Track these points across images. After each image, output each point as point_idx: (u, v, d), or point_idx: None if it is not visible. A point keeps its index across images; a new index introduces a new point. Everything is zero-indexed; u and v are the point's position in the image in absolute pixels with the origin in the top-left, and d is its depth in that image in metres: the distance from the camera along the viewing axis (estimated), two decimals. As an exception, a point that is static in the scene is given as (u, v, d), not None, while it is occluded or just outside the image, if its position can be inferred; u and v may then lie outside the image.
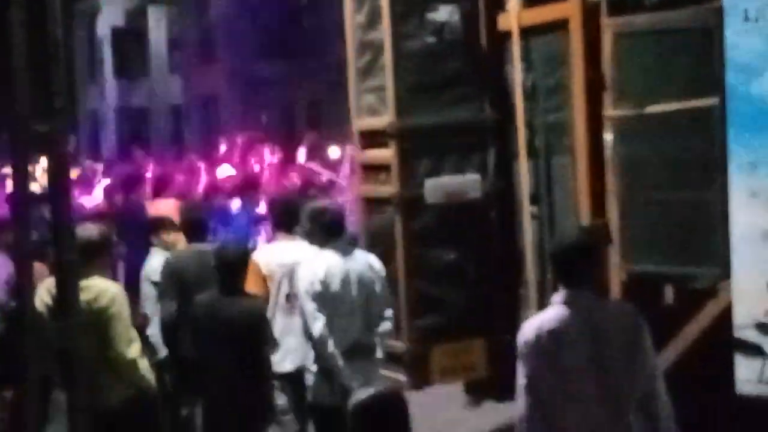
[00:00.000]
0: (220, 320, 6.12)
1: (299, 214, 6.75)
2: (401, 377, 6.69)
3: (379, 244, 6.90)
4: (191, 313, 6.30)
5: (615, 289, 6.08)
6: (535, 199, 6.56)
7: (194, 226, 7.54)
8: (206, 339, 6.19)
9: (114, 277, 7.62)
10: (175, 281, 6.99)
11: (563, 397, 4.39)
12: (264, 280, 6.72)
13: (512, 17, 6.62)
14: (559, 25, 6.37)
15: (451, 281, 6.70)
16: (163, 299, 7.01)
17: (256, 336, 6.14)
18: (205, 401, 6.43)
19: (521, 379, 4.41)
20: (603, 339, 4.35)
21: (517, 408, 4.48)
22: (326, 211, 6.28)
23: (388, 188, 6.72)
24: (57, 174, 4.49)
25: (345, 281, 6.00)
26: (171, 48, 39.94)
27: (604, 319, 4.39)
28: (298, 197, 8.86)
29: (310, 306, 5.95)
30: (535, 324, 4.45)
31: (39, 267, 5.50)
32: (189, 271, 7.04)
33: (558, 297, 4.43)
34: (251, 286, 6.51)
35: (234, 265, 6.19)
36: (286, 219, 6.99)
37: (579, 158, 6.26)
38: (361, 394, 3.64)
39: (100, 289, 5.66)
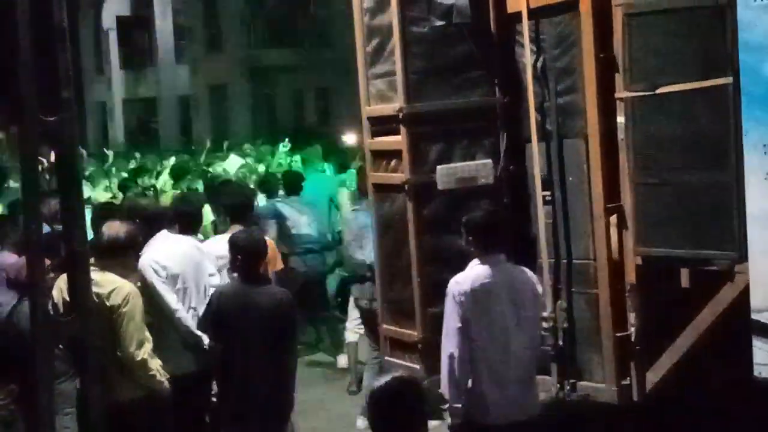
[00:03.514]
0: (249, 308, 6.04)
1: (251, 205, 7.13)
2: (414, 365, 6.65)
3: (390, 231, 6.87)
4: (213, 303, 6.25)
5: (630, 273, 6.03)
6: (547, 184, 6.50)
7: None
8: (234, 328, 6.08)
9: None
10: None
11: (492, 347, 5.38)
12: None
13: (521, -1, 6.56)
14: (569, 6, 6.29)
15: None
16: None
17: (285, 325, 6.10)
18: (225, 391, 6.34)
19: (455, 323, 5.36)
20: (518, 296, 5.47)
21: (446, 348, 5.39)
22: None
23: (399, 175, 6.68)
24: (65, 165, 4.46)
25: None
26: (177, 37, 39.87)
27: (516, 279, 5.54)
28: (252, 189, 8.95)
29: None
30: (469, 278, 5.44)
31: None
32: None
33: (480, 260, 5.49)
34: None
35: (259, 253, 6.20)
36: (239, 209, 7.31)
37: (592, 141, 6.20)
38: (378, 381, 3.65)
39: (116, 286, 5.64)
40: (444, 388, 5.44)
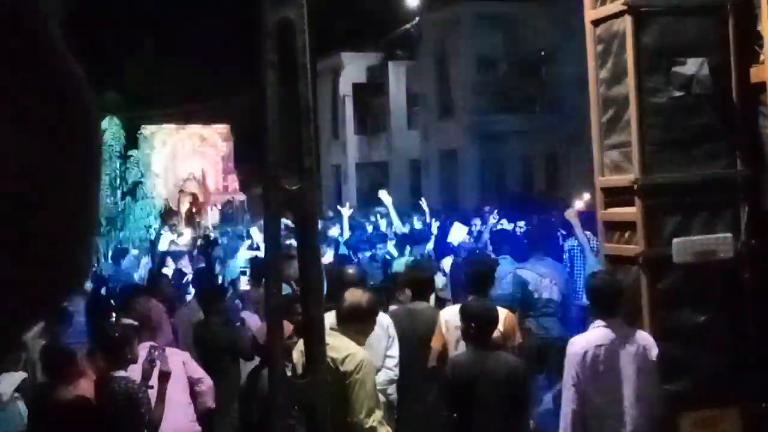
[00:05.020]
0: (483, 376, 6.06)
1: (490, 277, 7.08)
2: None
3: (624, 304, 6.69)
4: (447, 371, 6.30)
5: None
6: (792, 260, 6.19)
7: (418, 285, 7.65)
8: (468, 396, 6.10)
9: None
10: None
11: (606, 407, 5.78)
12: (442, 336, 6.88)
13: (766, 69, 6.33)
14: (818, 76, 6.03)
15: (701, 345, 6.39)
16: None
17: (519, 393, 6.08)
18: None
19: (572, 381, 5.83)
20: (635, 360, 5.83)
21: (564, 404, 5.88)
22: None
23: (632, 247, 6.53)
24: (305, 231, 4.60)
25: None
26: (410, 103, 40.75)
27: (633, 343, 5.90)
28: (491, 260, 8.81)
29: None
30: (585, 339, 5.96)
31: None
32: (400, 329, 7.14)
33: (598, 323, 5.97)
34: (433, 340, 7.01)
35: (490, 321, 6.24)
36: (477, 281, 7.28)
37: (842, 217, 5.88)
38: None
39: (350, 352, 5.72)
40: None
